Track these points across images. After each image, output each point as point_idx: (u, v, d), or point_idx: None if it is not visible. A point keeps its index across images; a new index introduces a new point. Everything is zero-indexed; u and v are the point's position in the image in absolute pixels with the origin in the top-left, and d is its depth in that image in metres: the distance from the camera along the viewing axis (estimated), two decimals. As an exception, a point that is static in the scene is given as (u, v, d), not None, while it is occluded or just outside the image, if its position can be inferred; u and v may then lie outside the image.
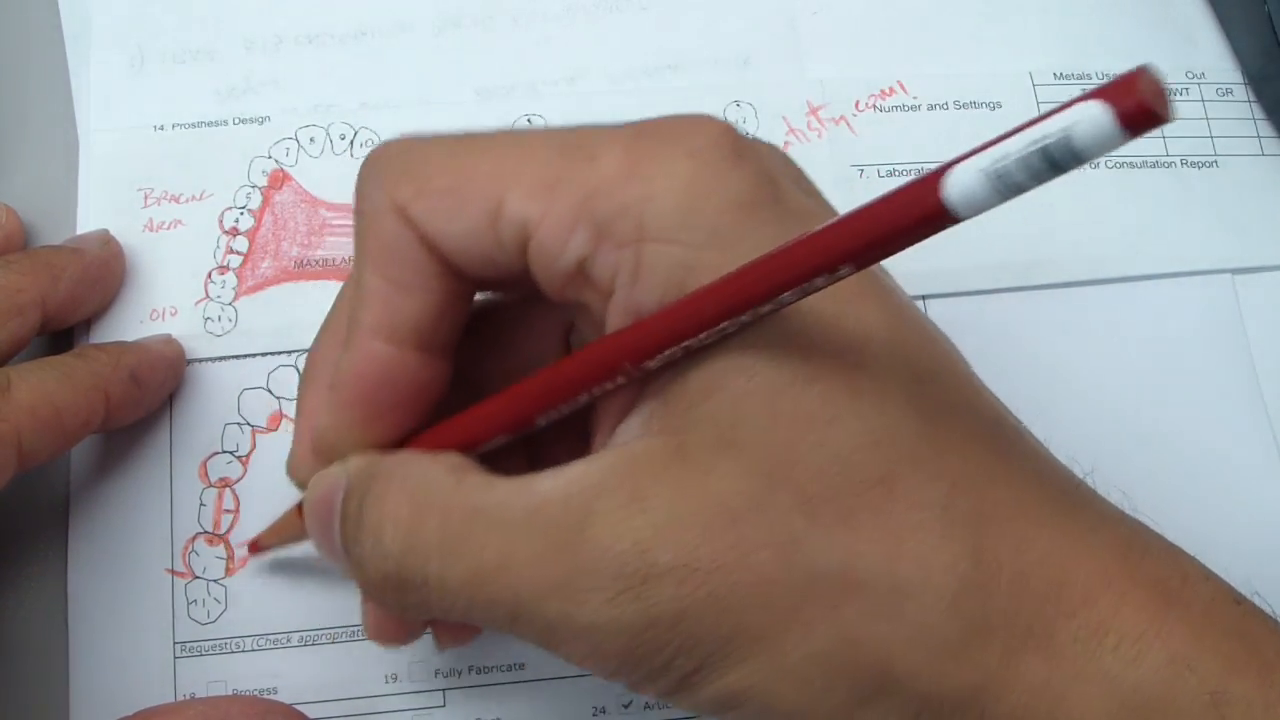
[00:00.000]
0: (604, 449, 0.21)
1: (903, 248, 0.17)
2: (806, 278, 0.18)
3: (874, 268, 0.21)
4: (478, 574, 0.20)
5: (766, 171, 0.21)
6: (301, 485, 0.24)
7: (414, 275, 0.22)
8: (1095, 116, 0.14)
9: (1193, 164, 0.34)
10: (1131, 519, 0.21)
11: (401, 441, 0.23)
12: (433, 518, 0.21)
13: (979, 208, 0.15)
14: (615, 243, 0.20)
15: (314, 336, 0.25)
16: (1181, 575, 0.20)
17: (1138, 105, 0.14)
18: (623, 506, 0.19)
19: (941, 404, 0.20)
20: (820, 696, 0.19)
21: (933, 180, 0.16)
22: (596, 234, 0.20)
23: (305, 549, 0.26)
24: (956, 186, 0.15)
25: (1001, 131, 0.15)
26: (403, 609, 0.22)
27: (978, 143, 0.15)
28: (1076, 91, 0.15)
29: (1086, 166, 0.33)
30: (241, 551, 0.29)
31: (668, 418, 0.20)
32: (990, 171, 0.15)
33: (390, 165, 0.22)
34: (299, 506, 0.25)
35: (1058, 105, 0.14)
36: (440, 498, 0.21)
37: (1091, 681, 0.19)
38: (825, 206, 0.22)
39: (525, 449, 0.25)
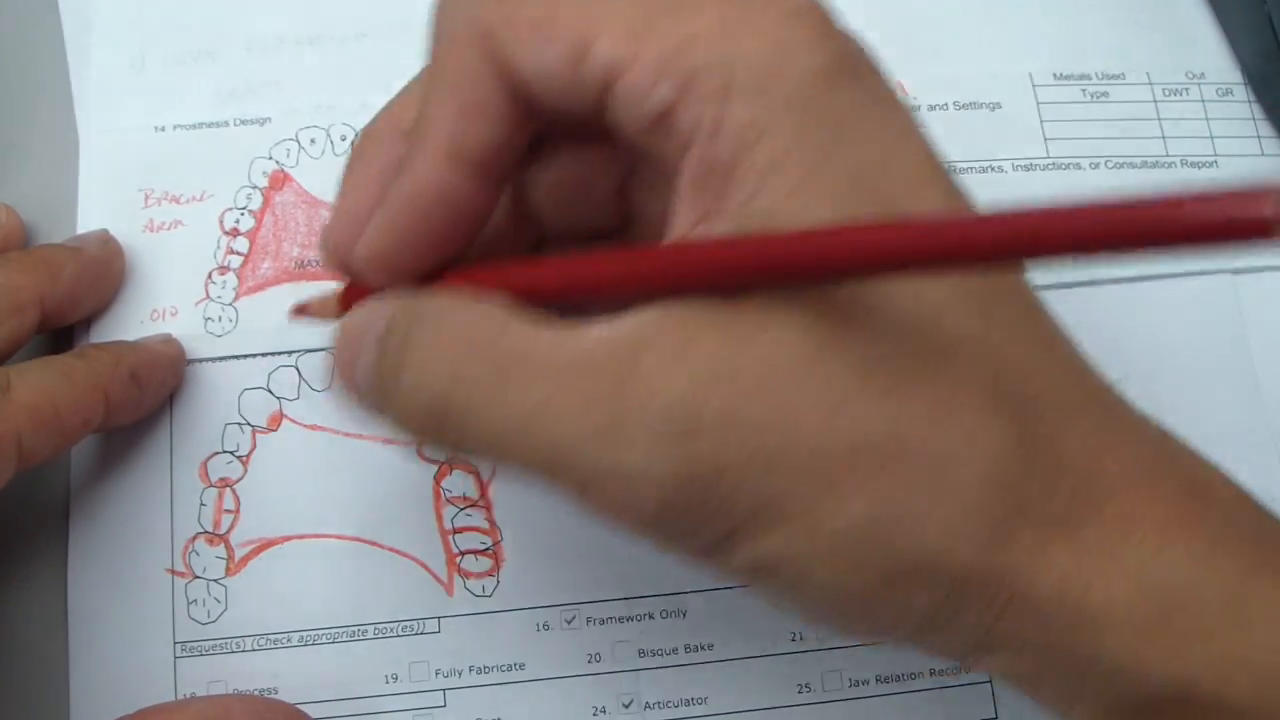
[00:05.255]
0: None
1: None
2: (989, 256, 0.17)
3: None
4: (519, 419, 0.20)
5: (853, 50, 0.21)
6: (332, 262, 0.24)
7: (487, 102, 0.21)
8: None
9: (1193, 164, 0.34)
10: (1161, 426, 0.22)
11: (443, 267, 0.23)
12: (480, 359, 0.20)
13: None
14: (700, 95, 0.20)
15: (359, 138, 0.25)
16: (1207, 478, 0.21)
17: None
18: (672, 358, 0.19)
19: (991, 293, 0.20)
20: (852, 571, 0.19)
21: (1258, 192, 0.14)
22: (683, 85, 0.20)
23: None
24: None
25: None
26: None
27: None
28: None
29: (1085, 167, 0.33)
30: (243, 551, 0.29)
31: None
32: None
33: None
34: (343, 292, 0.25)
35: None
36: (488, 340, 0.21)
37: (1116, 575, 0.19)
38: (903, 102, 0.22)
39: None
